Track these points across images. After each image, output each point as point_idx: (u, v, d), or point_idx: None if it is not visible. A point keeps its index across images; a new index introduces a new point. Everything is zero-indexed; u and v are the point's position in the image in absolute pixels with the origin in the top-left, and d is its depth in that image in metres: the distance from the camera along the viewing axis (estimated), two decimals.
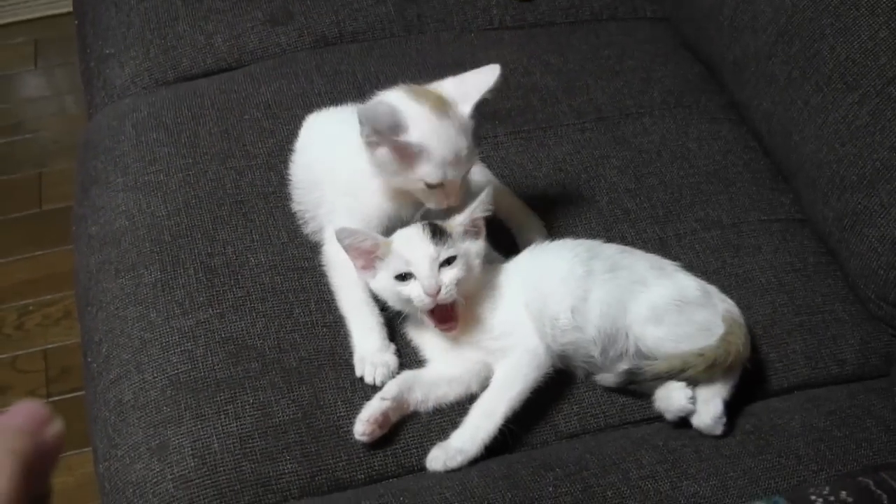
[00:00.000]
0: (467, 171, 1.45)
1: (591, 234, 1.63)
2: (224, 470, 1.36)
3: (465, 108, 1.43)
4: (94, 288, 1.58)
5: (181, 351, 1.46)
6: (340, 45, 1.93)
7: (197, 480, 1.36)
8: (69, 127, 2.64)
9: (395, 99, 1.42)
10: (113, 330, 1.51)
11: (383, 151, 1.40)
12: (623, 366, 1.46)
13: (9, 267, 2.42)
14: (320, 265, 1.53)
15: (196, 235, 1.59)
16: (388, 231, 1.47)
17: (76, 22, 2.14)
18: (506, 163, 1.73)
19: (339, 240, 1.40)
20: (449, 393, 1.43)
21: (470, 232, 1.43)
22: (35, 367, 2.23)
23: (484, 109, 1.80)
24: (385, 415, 1.39)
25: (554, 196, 1.69)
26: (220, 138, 1.73)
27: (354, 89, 1.81)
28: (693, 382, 1.41)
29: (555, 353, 1.43)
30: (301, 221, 1.58)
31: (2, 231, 2.51)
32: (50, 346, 2.25)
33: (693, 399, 1.40)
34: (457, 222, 1.42)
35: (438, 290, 1.37)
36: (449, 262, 1.38)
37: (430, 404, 1.42)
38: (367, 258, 1.41)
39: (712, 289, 1.50)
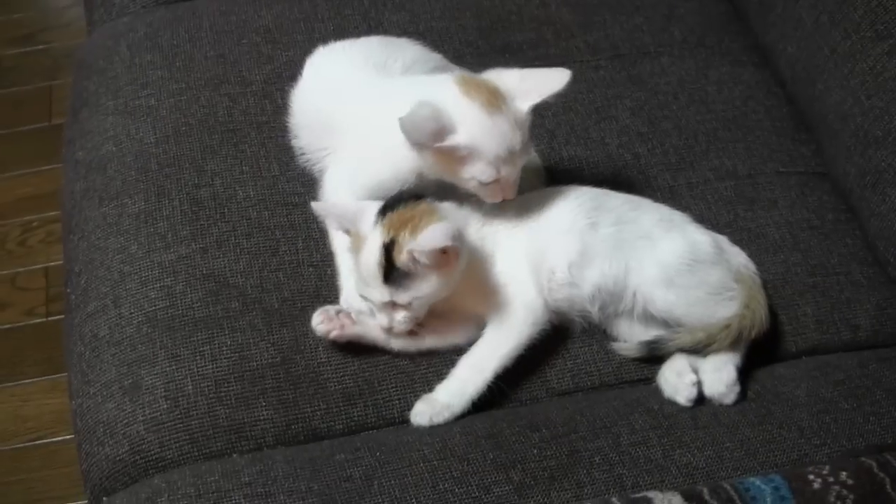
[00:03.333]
0: (522, 164, 1.30)
1: (598, 179, 1.49)
2: (197, 414, 1.26)
3: (523, 104, 1.27)
4: (77, 216, 1.47)
5: (160, 287, 1.35)
6: None
7: (169, 423, 1.26)
8: (82, 39, 2.50)
9: (444, 95, 1.26)
10: (93, 261, 1.40)
11: (429, 155, 1.26)
12: (624, 324, 1.35)
13: (15, 181, 2.31)
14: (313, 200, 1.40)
15: (184, 165, 1.47)
16: None
17: None
18: None
19: (316, 213, 1.29)
20: (425, 338, 1.31)
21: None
22: (36, 284, 2.13)
23: (494, 42, 1.67)
24: (342, 320, 1.28)
25: (561, 137, 1.55)
26: (215, 63, 1.59)
27: (359, 15, 1.67)
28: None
29: (551, 308, 1.32)
30: (299, 154, 1.45)
31: (10, 144, 2.39)
32: (52, 263, 2.14)
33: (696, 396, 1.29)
34: (417, 251, 1.21)
35: (391, 327, 1.26)
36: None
37: (394, 344, 1.30)
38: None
39: (723, 241, 1.37)
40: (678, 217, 1.38)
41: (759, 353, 1.35)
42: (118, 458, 1.26)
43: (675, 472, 1.21)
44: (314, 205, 1.29)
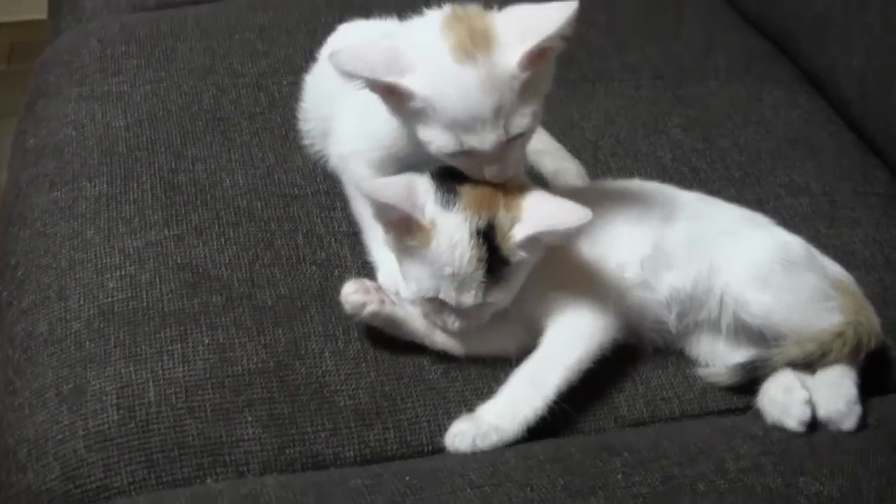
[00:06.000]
0: (510, 141, 0.93)
1: None
2: (159, 428, 0.91)
3: (512, 54, 0.90)
4: (20, 205, 1.14)
5: (121, 275, 1.02)
6: None
7: (119, 440, 0.90)
8: None
9: (423, 30, 0.94)
10: (35, 249, 1.07)
11: (384, 100, 0.93)
12: (706, 340, 1.04)
13: None
14: (325, 183, 1.13)
15: (159, 149, 1.16)
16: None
17: None
18: (547, 109, 1.30)
19: (365, 195, 0.94)
20: (472, 339, 0.99)
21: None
22: None
23: None
24: (379, 295, 0.97)
25: (606, 149, 1.28)
26: (202, 54, 1.31)
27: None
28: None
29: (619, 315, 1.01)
30: (307, 139, 1.17)
31: None
32: None
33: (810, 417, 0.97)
34: (516, 240, 0.93)
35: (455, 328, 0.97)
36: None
37: (438, 339, 0.99)
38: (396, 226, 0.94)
39: (813, 249, 1.09)
40: (761, 217, 1.10)
41: (867, 381, 1.04)
42: (44, 488, 0.89)
43: (805, 502, 0.87)
44: (363, 186, 0.95)
